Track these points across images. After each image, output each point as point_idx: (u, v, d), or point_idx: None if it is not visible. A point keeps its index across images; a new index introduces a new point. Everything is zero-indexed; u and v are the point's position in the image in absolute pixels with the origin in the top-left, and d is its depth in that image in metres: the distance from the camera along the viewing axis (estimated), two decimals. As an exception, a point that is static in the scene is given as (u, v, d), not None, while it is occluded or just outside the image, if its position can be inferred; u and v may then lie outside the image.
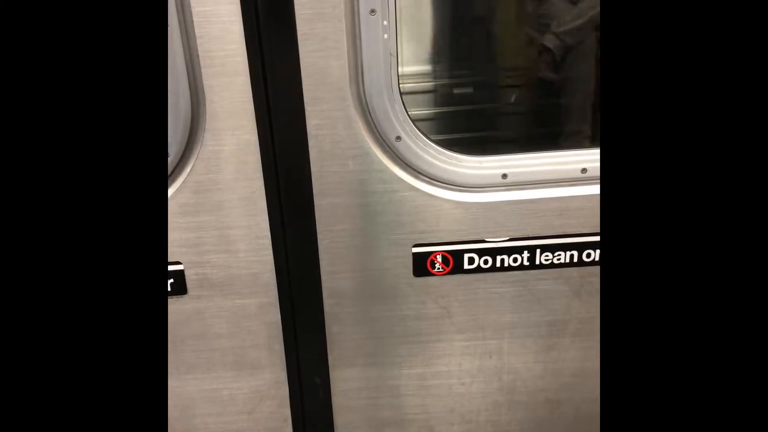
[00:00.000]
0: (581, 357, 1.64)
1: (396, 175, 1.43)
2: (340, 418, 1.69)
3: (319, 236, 1.47)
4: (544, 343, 1.62)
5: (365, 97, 1.36)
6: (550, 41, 2.34)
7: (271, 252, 1.48)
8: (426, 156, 1.43)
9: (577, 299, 1.57)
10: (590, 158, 1.45)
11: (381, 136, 1.40)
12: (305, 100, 1.34)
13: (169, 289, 1.50)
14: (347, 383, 1.64)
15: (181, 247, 1.46)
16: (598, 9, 1.88)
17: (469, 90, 2.19)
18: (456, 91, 2.17)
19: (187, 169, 1.39)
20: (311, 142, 1.38)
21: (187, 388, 1.63)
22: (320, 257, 1.49)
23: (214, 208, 1.43)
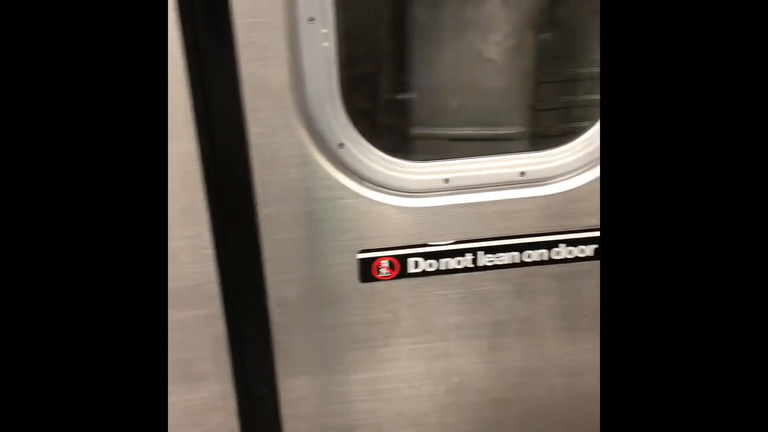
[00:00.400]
0: (525, 356, 1.68)
1: (340, 182, 1.44)
2: (289, 427, 1.68)
3: (264, 245, 1.46)
4: (489, 344, 1.65)
5: (307, 105, 1.36)
6: (491, 51, 2.38)
7: (214, 263, 1.47)
8: (369, 162, 1.44)
9: (520, 299, 1.61)
10: (528, 161, 1.49)
11: (324, 144, 1.40)
12: (246, 108, 1.33)
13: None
14: (296, 392, 1.63)
15: (121, 260, 1.43)
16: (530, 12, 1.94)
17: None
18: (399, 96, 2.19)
19: (126, 180, 1.36)
20: (253, 151, 1.37)
21: (131, 405, 1.59)
22: (265, 266, 1.49)
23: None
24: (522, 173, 1.49)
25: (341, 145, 1.41)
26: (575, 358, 1.69)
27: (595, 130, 1.50)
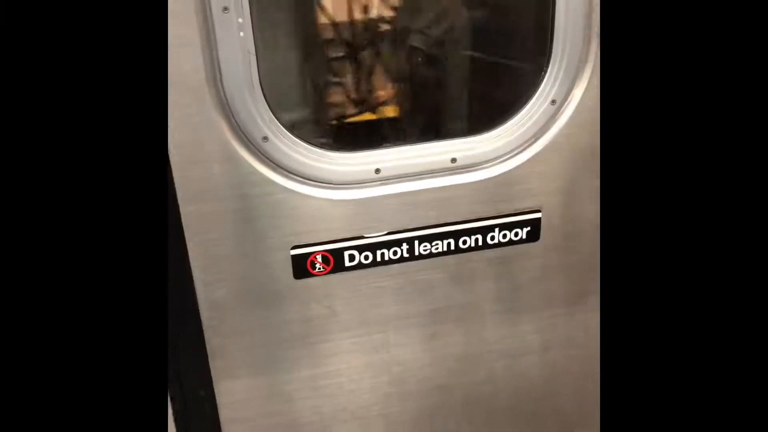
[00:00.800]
0: (465, 342, 1.68)
1: (266, 177, 1.38)
2: (229, 430, 1.63)
3: (189, 246, 1.40)
4: (429, 332, 1.64)
5: (226, 98, 1.30)
6: (417, 40, 2.35)
7: (139, 267, 1.40)
8: (296, 155, 1.39)
9: (457, 286, 1.60)
10: (458, 147, 1.47)
11: (247, 138, 1.34)
12: (161, 104, 1.26)
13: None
14: (234, 395, 1.58)
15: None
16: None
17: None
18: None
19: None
20: (172, 148, 1.30)
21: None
22: (192, 268, 1.42)
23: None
24: (453, 159, 1.47)
25: (265, 138, 1.36)
26: (514, 340, 1.70)
27: (523, 113, 1.49)
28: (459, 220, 1.52)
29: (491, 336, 1.68)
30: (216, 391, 1.57)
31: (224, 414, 1.60)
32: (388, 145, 1.46)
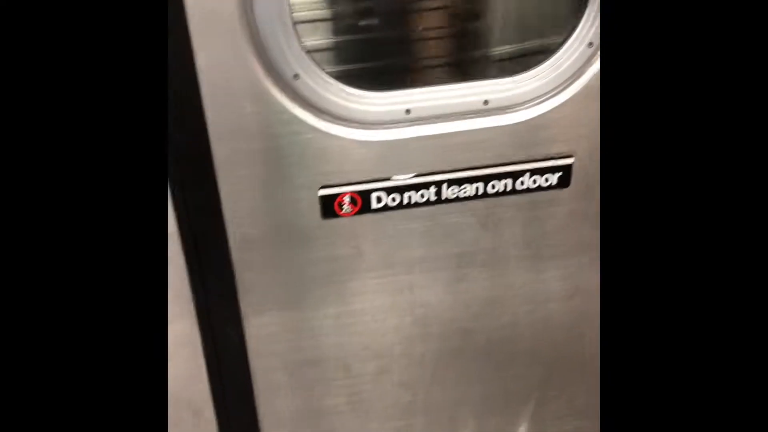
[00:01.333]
0: (489, 286, 1.69)
1: (297, 116, 1.38)
2: (257, 363, 1.68)
3: (220, 183, 1.41)
4: (454, 275, 1.65)
5: (258, 35, 1.28)
6: None
7: (171, 202, 1.41)
8: (326, 94, 1.38)
9: (484, 230, 1.60)
10: (492, 89, 1.45)
11: (278, 75, 1.33)
12: (193, 40, 1.25)
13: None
14: (262, 329, 1.63)
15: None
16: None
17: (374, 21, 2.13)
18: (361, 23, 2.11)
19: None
20: (203, 86, 1.30)
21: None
22: (223, 205, 1.44)
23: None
24: (485, 101, 1.45)
25: (296, 75, 1.34)
26: (539, 286, 1.71)
27: (559, 55, 1.45)
28: (489, 163, 1.51)
29: (516, 281, 1.69)
30: (244, 325, 1.62)
31: (252, 348, 1.65)
32: (419, 85, 1.44)
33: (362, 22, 1.96)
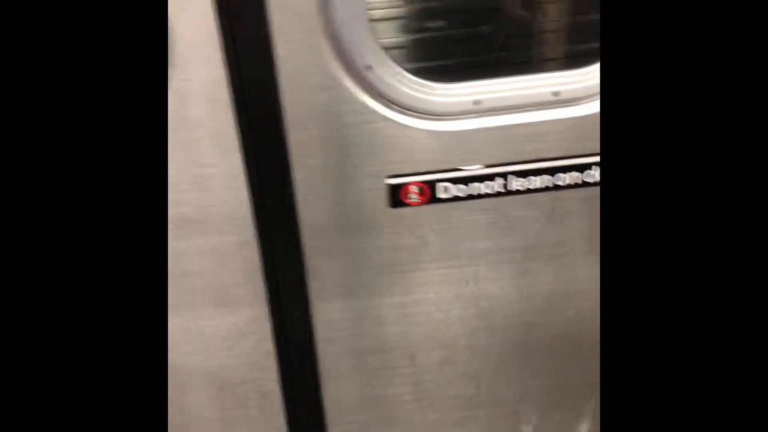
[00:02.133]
0: (554, 280, 1.68)
1: (367, 106, 1.42)
2: (323, 349, 1.73)
3: (294, 170, 1.47)
4: (519, 268, 1.66)
5: (334, 26, 1.33)
6: None
7: (246, 188, 1.48)
8: (397, 85, 1.42)
9: (550, 224, 1.60)
10: (561, 80, 1.45)
11: (351, 66, 1.38)
12: (272, 29, 1.31)
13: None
14: (328, 315, 1.67)
15: (155, 186, 1.45)
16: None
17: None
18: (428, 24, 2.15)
19: (156, 106, 1.36)
20: (281, 74, 1.36)
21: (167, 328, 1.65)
22: (296, 191, 1.49)
23: (186, 145, 1.41)
24: (555, 93, 1.46)
25: (369, 67, 1.39)
26: (605, 282, 1.69)
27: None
28: (556, 156, 1.52)
29: (581, 275, 1.68)
30: (312, 311, 1.66)
31: (319, 333, 1.69)
32: (488, 76, 1.46)
33: (430, 24, 2.00)
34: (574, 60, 1.80)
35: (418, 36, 1.76)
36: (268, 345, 1.72)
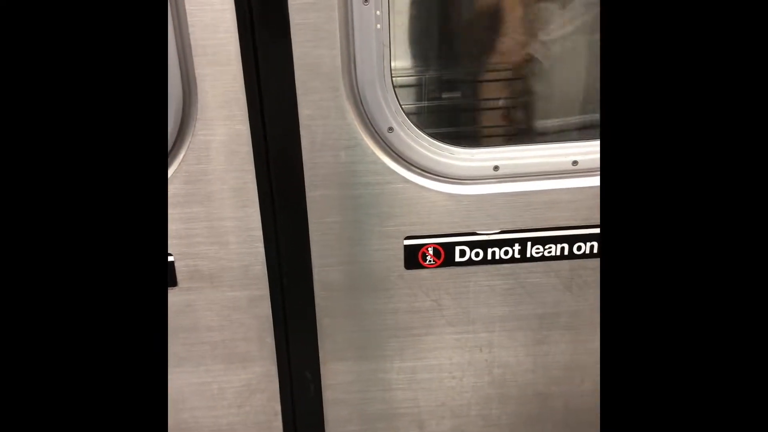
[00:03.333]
0: (571, 350, 1.64)
1: (388, 167, 1.43)
2: (330, 413, 1.68)
3: (311, 228, 1.46)
4: (535, 337, 1.62)
5: (357, 88, 1.36)
6: (536, 50, 2.33)
7: (262, 244, 1.48)
8: (418, 147, 1.43)
9: (568, 292, 1.58)
10: (581, 150, 1.46)
11: (373, 127, 1.40)
12: (297, 90, 1.34)
13: (158, 281, 1.49)
14: (338, 377, 1.63)
15: (172, 238, 1.45)
16: (587, 15, 1.90)
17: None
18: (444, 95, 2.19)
19: (178, 159, 1.38)
20: (303, 133, 1.37)
21: (176, 382, 1.62)
22: (311, 249, 1.49)
23: (204, 199, 1.42)
24: (574, 162, 1.46)
25: (391, 129, 1.40)
26: (623, 355, 1.65)
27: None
28: (575, 224, 1.50)
29: (599, 348, 1.64)
30: (321, 372, 1.63)
31: (327, 395, 1.65)
32: (509, 143, 1.47)
33: (445, 95, 2.04)
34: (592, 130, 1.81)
35: (440, 102, 1.79)
36: (276, 405, 1.68)
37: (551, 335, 1.62)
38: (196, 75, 1.31)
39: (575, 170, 1.47)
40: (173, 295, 1.51)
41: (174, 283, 1.49)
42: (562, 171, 1.47)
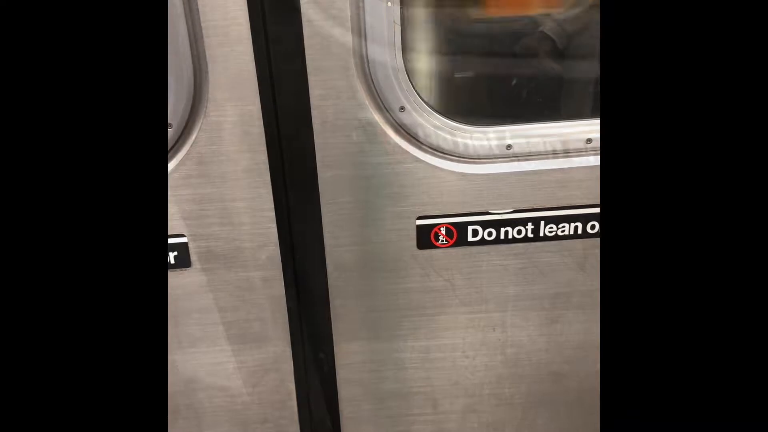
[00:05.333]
0: (584, 330, 1.64)
1: (400, 146, 1.42)
2: (344, 391, 1.70)
3: (323, 208, 1.46)
4: (548, 316, 1.62)
5: (369, 67, 1.35)
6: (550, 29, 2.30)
7: (275, 224, 1.48)
8: (430, 127, 1.42)
9: (581, 271, 1.57)
10: (595, 128, 1.44)
11: (385, 107, 1.39)
12: (308, 70, 1.33)
13: (173, 261, 1.50)
14: (351, 356, 1.64)
15: (185, 219, 1.46)
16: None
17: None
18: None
19: (190, 140, 1.38)
20: (314, 113, 1.37)
21: (190, 362, 1.63)
22: (324, 230, 1.49)
23: (217, 179, 1.42)
24: (588, 140, 1.44)
25: (402, 108, 1.39)
26: (637, 334, 1.64)
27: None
28: (588, 203, 1.49)
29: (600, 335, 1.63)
30: (335, 351, 1.64)
31: (341, 374, 1.67)
32: (522, 121, 1.46)
33: (458, 75, 2.01)
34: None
35: (453, 80, 1.77)
36: (290, 385, 1.69)
37: (564, 315, 1.62)
38: (207, 55, 1.30)
39: (588, 149, 1.46)
40: (187, 276, 1.52)
41: (188, 264, 1.50)
42: (576, 149, 1.46)
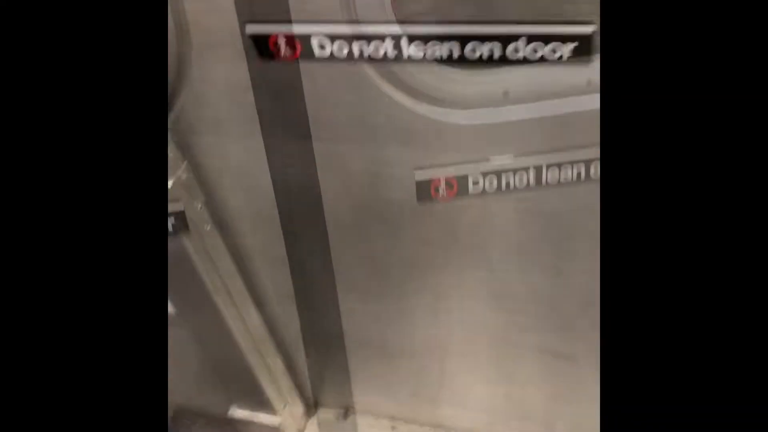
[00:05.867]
0: (590, 280, 1.61)
1: (394, 99, 1.38)
2: (352, 352, 1.70)
3: (319, 166, 1.44)
4: (553, 266, 1.59)
5: (357, 17, 1.30)
6: None
7: (271, 186, 1.46)
8: (423, 75, 1.38)
9: (588, 217, 1.53)
10: (596, 67, 1.38)
11: (378, 57, 1.34)
12: (293, 20, 1.29)
13: (171, 228, 1.49)
14: (357, 316, 1.64)
15: (182, 187, 1.44)
16: None
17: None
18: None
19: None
20: (303, 69, 1.33)
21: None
22: (321, 188, 1.47)
23: (211, 146, 1.40)
24: (589, 81, 1.39)
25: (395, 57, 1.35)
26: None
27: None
28: (590, 145, 1.45)
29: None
30: (341, 310, 1.64)
31: (348, 335, 1.66)
32: (518, 64, 1.40)
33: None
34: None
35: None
36: (297, 344, 1.70)
37: (570, 265, 1.59)
38: (189, 21, 1.27)
39: (589, 90, 1.40)
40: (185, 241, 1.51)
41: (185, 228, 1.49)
42: (576, 91, 1.40)
